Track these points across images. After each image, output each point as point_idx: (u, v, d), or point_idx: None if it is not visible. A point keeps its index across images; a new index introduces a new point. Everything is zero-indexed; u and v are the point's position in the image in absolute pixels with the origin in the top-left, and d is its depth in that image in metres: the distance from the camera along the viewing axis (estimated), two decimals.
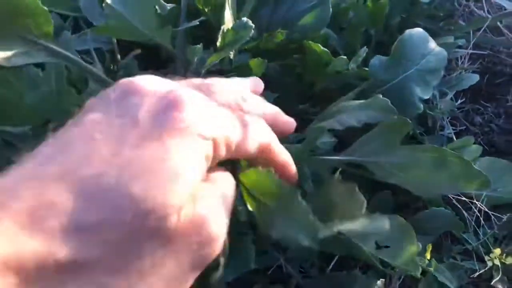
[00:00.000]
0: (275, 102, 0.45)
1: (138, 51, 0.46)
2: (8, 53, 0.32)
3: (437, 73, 0.44)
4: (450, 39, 0.58)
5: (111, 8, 0.34)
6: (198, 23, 0.40)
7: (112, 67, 0.46)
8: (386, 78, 0.42)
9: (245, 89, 0.31)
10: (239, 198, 0.29)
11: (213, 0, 0.44)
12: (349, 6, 0.54)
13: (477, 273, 0.43)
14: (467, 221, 0.47)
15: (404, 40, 0.42)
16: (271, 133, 0.28)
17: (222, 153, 0.23)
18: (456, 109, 0.60)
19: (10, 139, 0.38)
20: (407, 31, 0.43)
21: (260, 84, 0.33)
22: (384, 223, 0.37)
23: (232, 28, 0.38)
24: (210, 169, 0.23)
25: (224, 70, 0.43)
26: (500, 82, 0.67)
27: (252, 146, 0.25)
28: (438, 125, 0.56)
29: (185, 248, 0.20)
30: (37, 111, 0.38)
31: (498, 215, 0.46)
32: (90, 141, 0.20)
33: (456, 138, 0.55)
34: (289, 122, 0.32)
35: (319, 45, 0.44)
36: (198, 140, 0.21)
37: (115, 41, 0.47)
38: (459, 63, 0.66)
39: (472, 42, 0.64)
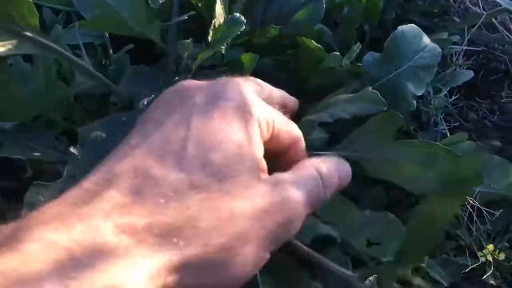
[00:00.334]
0: None
1: (131, 45, 0.46)
2: None
3: (430, 70, 0.43)
4: (444, 36, 0.58)
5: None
6: (187, 17, 0.39)
7: (104, 62, 0.45)
8: (379, 74, 0.42)
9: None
10: None
11: None
12: (343, 1, 0.54)
13: (470, 268, 0.43)
14: (460, 217, 0.47)
15: (396, 36, 0.42)
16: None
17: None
18: (450, 105, 0.60)
19: None
20: (400, 27, 0.42)
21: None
22: (374, 220, 0.38)
23: (223, 23, 0.38)
24: None
25: (216, 65, 0.43)
26: (495, 79, 0.67)
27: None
28: (432, 121, 0.56)
29: None
30: (27, 106, 0.37)
31: (491, 211, 0.46)
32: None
33: (450, 134, 0.55)
34: (295, 101, 0.37)
35: (313, 41, 0.44)
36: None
37: (107, 35, 0.47)
38: (454, 59, 0.65)
39: (466, 39, 0.64)
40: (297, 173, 0.27)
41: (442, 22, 0.68)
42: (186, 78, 0.40)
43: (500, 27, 0.71)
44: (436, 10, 0.69)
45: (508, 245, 0.45)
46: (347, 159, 0.41)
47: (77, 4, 0.44)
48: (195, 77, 0.41)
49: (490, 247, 0.45)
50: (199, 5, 0.44)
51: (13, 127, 0.39)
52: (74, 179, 0.33)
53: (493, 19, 0.70)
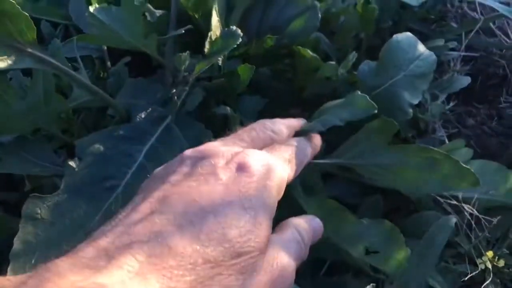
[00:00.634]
0: (265, 107, 0.46)
1: (128, 58, 0.46)
2: None
3: (426, 78, 0.43)
4: (441, 42, 0.58)
5: (94, 18, 0.34)
6: (183, 31, 0.40)
7: (102, 74, 0.46)
8: (375, 84, 0.42)
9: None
10: None
11: (202, 6, 0.45)
12: (340, 11, 0.54)
13: (469, 276, 0.43)
14: (459, 224, 0.47)
15: (391, 45, 0.42)
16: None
17: None
18: (448, 112, 0.60)
19: None
20: (395, 36, 0.43)
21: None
22: (372, 228, 0.38)
23: (220, 36, 0.39)
24: None
25: (213, 76, 0.43)
26: (493, 84, 0.67)
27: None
28: (430, 128, 0.56)
29: None
30: (25, 119, 0.38)
31: (489, 218, 0.46)
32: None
33: (449, 141, 0.55)
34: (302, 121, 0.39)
35: (308, 50, 0.44)
36: None
37: (105, 48, 0.48)
38: (451, 65, 0.65)
39: (464, 44, 0.64)
40: (283, 238, 0.29)
41: (440, 28, 0.68)
42: (183, 90, 0.40)
43: (498, 32, 0.71)
44: (433, 16, 0.70)
45: (507, 251, 0.45)
46: (344, 166, 0.41)
47: (75, 19, 0.45)
48: (192, 89, 0.41)
49: (490, 254, 0.44)
50: (196, 16, 0.45)
51: (12, 140, 0.39)
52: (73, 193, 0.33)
53: (491, 24, 0.70)
